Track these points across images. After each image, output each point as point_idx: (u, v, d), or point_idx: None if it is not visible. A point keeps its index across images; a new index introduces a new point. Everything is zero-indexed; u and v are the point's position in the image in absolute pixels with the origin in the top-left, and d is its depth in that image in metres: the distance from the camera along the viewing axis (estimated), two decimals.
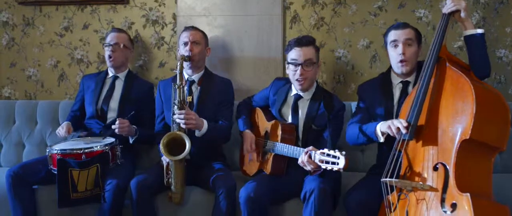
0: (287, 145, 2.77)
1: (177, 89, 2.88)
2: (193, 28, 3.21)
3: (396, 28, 2.76)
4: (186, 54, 3.06)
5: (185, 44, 3.11)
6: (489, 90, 2.42)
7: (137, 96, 3.35)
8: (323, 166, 2.47)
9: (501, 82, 3.37)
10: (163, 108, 3.18)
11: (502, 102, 2.37)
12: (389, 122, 2.48)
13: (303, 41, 2.88)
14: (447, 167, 2.27)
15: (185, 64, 3.08)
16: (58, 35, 3.72)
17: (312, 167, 2.58)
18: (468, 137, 2.24)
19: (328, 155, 2.46)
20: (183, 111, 2.83)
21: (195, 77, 3.15)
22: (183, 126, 2.85)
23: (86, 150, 2.85)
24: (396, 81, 2.79)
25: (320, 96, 2.94)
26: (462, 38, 2.66)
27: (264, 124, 3.02)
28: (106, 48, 3.36)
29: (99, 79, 3.41)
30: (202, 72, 3.18)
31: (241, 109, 3.16)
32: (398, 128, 2.41)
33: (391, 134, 2.46)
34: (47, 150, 2.91)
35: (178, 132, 2.84)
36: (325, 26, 3.47)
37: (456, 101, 2.34)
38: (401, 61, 2.71)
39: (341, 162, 2.41)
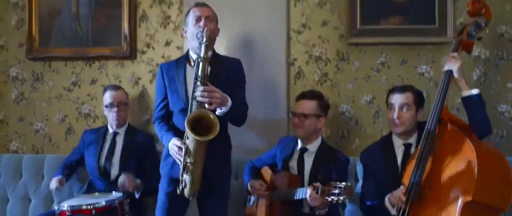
0: (293, 188, 2.84)
1: (201, 62, 2.65)
2: (205, 4, 2.99)
3: (395, 91, 2.89)
4: (203, 34, 2.72)
5: (198, 19, 2.87)
6: (491, 151, 2.46)
7: (138, 149, 3.38)
8: (330, 198, 2.52)
9: (504, 137, 3.40)
10: (164, 93, 2.96)
11: (504, 163, 2.41)
12: (391, 197, 2.58)
13: (306, 95, 3.08)
14: None
15: (198, 42, 2.77)
16: (66, 90, 3.78)
17: (318, 204, 2.64)
18: (470, 199, 2.27)
19: (335, 187, 2.52)
20: (206, 87, 2.64)
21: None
22: (207, 104, 2.64)
23: (96, 205, 2.86)
24: (398, 144, 2.87)
25: (325, 150, 3.06)
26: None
27: (270, 178, 3.08)
28: (108, 109, 3.42)
29: (100, 135, 3.46)
30: (211, 52, 2.90)
31: (246, 172, 3.19)
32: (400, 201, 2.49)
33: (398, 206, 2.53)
34: (56, 207, 2.92)
35: (203, 110, 2.63)
36: (328, 82, 3.52)
37: (458, 163, 2.39)
38: (394, 124, 2.81)
39: (346, 192, 2.48)
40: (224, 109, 2.72)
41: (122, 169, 3.29)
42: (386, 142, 2.91)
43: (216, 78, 2.76)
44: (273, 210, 2.97)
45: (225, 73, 2.87)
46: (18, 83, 3.84)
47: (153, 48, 3.70)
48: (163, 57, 3.66)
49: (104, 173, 3.33)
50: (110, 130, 3.46)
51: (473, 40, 2.79)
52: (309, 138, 3.05)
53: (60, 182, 3.29)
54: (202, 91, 2.62)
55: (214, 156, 2.77)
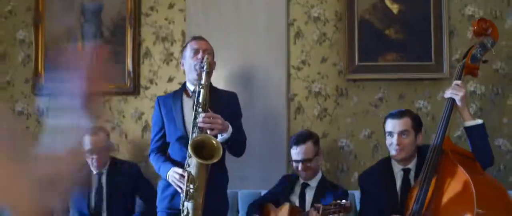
0: None
1: (202, 89, 2.71)
2: (202, 38, 3.01)
3: (393, 117, 2.85)
4: (203, 63, 2.78)
5: (196, 52, 2.90)
6: (491, 184, 2.48)
7: (124, 184, 3.39)
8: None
9: (500, 171, 3.46)
10: (161, 124, 2.96)
11: (504, 194, 2.42)
12: None
13: (301, 139, 3.10)
14: None
15: (195, 74, 2.86)
16: None
17: None
18: None
19: (335, 205, 2.61)
20: (208, 114, 2.67)
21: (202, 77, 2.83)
22: (208, 131, 2.67)
23: None
24: (397, 169, 2.87)
25: (326, 183, 3.15)
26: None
27: (273, 212, 3.13)
28: (88, 154, 3.32)
29: (85, 179, 3.35)
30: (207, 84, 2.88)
31: (250, 210, 3.23)
32: None
33: None
34: None
35: (206, 136, 2.66)
36: (328, 117, 3.60)
37: (457, 197, 2.40)
38: (395, 151, 2.80)
39: (346, 207, 2.59)
40: (225, 135, 2.74)
41: (110, 211, 3.33)
42: (385, 167, 2.90)
43: (213, 109, 2.77)
44: None
45: (222, 105, 2.88)
46: (23, 118, 3.92)
47: (156, 84, 3.79)
48: (165, 92, 3.75)
49: None
50: (94, 171, 3.42)
51: (478, 64, 2.71)
52: (311, 178, 3.15)
53: None
54: (204, 117, 2.65)
55: (211, 186, 2.73)
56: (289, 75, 3.63)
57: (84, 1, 3.86)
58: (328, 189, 3.10)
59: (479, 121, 2.61)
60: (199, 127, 2.67)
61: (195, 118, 2.70)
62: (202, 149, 2.62)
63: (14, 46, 3.98)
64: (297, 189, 3.15)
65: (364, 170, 3.12)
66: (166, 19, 3.81)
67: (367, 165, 3.52)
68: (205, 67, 2.74)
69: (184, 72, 3.06)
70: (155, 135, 2.99)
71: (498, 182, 2.54)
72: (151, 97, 3.78)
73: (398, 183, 2.84)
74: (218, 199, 2.84)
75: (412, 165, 2.84)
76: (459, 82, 2.66)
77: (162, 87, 3.77)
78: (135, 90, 3.77)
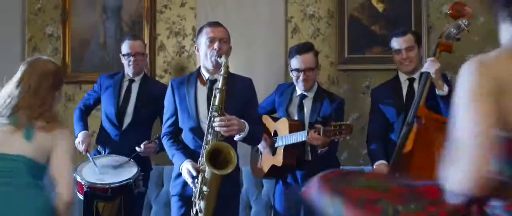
0: (295, 133, 3.05)
1: (219, 93, 2.68)
2: (219, 24, 2.96)
3: (398, 35, 3.19)
4: (217, 54, 2.80)
5: (212, 41, 2.85)
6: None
7: (153, 98, 3.44)
8: (331, 138, 2.83)
9: None
10: (174, 110, 2.93)
11: None
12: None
13: (304, 48, 3.23)
14: None
15: (211, 65, 2.85)
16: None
17: (319, 143, 2.93)
18: None
19: (335, 126, 2.81)
20: (224, 117, 2.65)
21: (218, 74, 2.81)
22: (225, 133, 2.65)
23: (112, 185, 3.05)
24: (403, 79, 3.21)
25: (322, 93, 3.31)
26: None
27: (272, 125, 3.33)
28: (125, 58, 3.56)
29: (117, 81, 3.59)
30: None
31: None
32: None
33: None
34: (74, 175, 2.94)
35: (222, 143, 2.64)
36: None
37: (428, 156, 2.70)
38: (404, 65, 3.15)
39: (346, 130, 2.79)
40: (242, 135, 2.76)
41: (135, 118, 3.46)
42: (394, 79, 3.26)
43: (230, 96, 2.76)
44: (277, 157, 3.16)
45: (238, 91, 2.87)
46: None
47: (170, 73, 4.28)
48: None
49: (119, 119, 3.48)
50: (127, 77, 3.60)
51: (451, 41, 2.99)
52: (310, 88, 3.26)
53: (89, 141, 3.44)
54: (220, 121, 2.64)
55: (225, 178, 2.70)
56: (287, 65, 4.08)
57: (105, 0, 4.35)
58: (325, 99, 3.23)
59: (446, 88, 2.91)
60: (215, 131, 2.66)
61: (210, 120, 2.69)
62: (218, 156, 2.63)
63: (43, 40, 4.48)
64: (296, 100, 3.27)
65: (377, 86, 3.48)
66: (178, 16, 4.31)
67: (354, 144, 3.99)
68: (223, 71, 2.70)
69: (198, 56, 3.15)
70: (167, 119, 2.97)
71: None
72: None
73: (404, 90, 3.17)
74: (230, 185, 2.78)
75: (416, 75, 3.16)
76: (432, 58, 2.99)
77: (175, 76, 4.24)
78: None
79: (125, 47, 3.60)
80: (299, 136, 3.03)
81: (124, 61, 3.61)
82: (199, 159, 2.72)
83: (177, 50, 4.30)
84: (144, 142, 3.32)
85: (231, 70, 3.70)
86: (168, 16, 4.32)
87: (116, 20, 4.35)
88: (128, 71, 3.60)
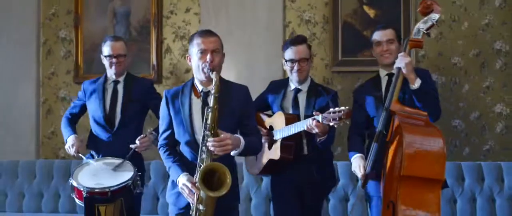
0: (292, 124, 3.10)
1: (211, 113, 2.60)
2: (210, 33, 2.84)
3: (379, 29, 3.24)
4: (209, 67, 2.71)
5: (204, 53, 2.75)
6: (424, 131, 2.76)
7: (139, 95, 3.54)
8: (331, 123, 2.86)
9: (456, 146, 4.21)
10: (169, 122, 2.88)
11: (437, 140, 2.73)
12: (354, 168, 3.07)
13: (298, 40, 3.32)
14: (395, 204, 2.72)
15: (204, 76, 2.77)
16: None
17: (318, 131, 2.96)
18: (403, 174, 2.64)
19: (334, 112, 2.86)
20: (217, 138, 2.59)
21: (211, 87, 2.70)
22: (219, 153, 2.60)
23: (111, 189, 3.04)
24: (383, 74, 3.24)
25: (316, 87, 3.38)
26: None
27: (267, 121, 3.39)
28: (107, 58, 3.53)
29: (100, 84, 3.57)
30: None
31: None
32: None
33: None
34: (70, 181, 3.11)
35: (217, 164, 2.58)
36: None
37: (398, 146, 2.78)
38: (384, 57, 3.17)
39: (345, 114, 2.83)
40: (238, 150, 2.73)
41: (125, 117, 3.49)
42: (375, 77, 3.30)
43: (225, 107, 2.71)
44: (274, 151, 3.20)
45: (233, 102, 2.81)
46: (65, 103, 4.70)
47: (176, 75, 4.58)
48: (183, 81, 4.48)
49: (109, 122, 3.49)
50: (110, 79, 3.57)
51: (420, 36, 3.02)
52: (304, 80, 3.30)
53: (79, 144, 3.40)
54: (213, 141, 2.58)
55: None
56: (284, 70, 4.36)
57: (115, 6, 4.65)
58: (320, 91, 3.29)
59: (418, 81, 2.95)
60: (209, 150, 2.61)
61: (203, 139, 2.63)
62: (213, 175, 2.59)
63: (56, 43, 4.79)
64: (290, 95, 3.31)
65: (358, 85, 3.61)
66: (183, 21, 4.61)
67: (345, 138, 4.26)
68: (213, 91, 2.62)
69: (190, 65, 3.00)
70: (163, 131, 2.92)
71: (436, 130, 2.82)
72: (171, 85, 4.54)
73: (384, 85, 3.20)
74: (229, 196, 2.65)
75: (395, 70, 3.07)
76: (402, 53, 3.02)
77: (180, 77, 4.56)
78: (158, 79, 4.55)
79: (106, 49, 3.56)
80: (299, 126, 3.07)
81: (106, 62, 3.58)
82: (195, 174, 2.66)
83: (182, 53, 4.58)
84: (138, 137, 3.35)
85: (231, 71, 3.89)
86: (174, 21, 4.62)
87: (125, 25, 4.65)
88: (111, 72, 3.58)
